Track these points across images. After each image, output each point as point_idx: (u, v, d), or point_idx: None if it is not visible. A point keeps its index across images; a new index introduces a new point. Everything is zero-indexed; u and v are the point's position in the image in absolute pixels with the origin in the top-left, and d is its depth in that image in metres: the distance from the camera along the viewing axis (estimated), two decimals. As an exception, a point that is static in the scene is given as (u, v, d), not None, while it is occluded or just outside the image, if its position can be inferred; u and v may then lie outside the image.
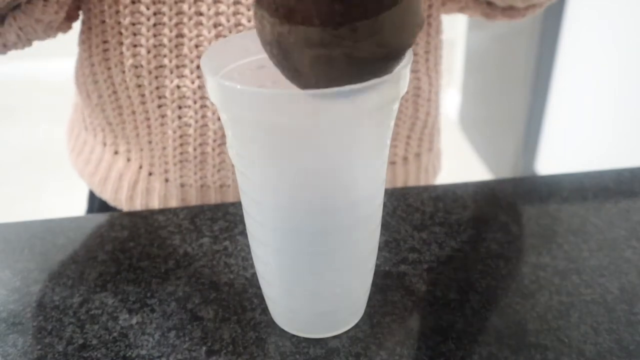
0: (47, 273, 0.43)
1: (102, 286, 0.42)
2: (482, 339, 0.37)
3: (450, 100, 2.51)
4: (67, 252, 0.46)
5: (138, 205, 0.57)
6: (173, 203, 0.56)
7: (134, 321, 0.39)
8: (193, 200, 0.56)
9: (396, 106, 0.31)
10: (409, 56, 0.30)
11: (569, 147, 1.70)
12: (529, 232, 0.47)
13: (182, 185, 0.55)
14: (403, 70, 0.29)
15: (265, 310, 0.39)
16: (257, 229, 0.34)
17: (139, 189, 0.57)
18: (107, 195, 0.59)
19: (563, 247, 0.45)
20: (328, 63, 0.26)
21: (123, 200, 0.58)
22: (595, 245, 0.46)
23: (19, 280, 0.43)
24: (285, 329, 0.38)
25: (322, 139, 0.29)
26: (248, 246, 0.45)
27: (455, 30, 2.37)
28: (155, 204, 0.57)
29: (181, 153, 0.53)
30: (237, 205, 0.51)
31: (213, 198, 0.56)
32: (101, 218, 0.50)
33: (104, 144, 0.59)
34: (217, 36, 0.49)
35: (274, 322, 0.38)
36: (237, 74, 0.34)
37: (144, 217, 0.50)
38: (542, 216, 0.49)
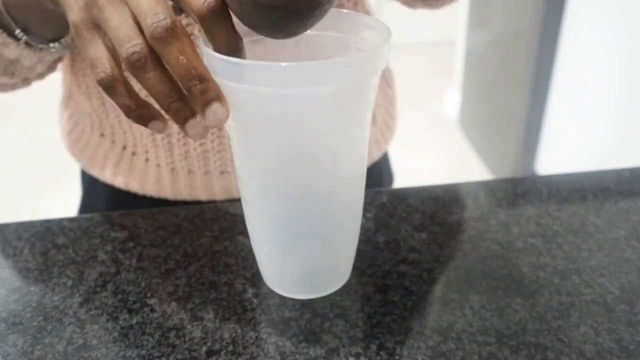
0: (47, 273, 0.43)
1: (102, 286, 0.42)
2: (482, 339, 0.37)
3: (450, 100, 2.51)
4: (67, 252, 0.46)
5: (120, 182, 0.61)
6: (150, 182, 0.60)
7: (134, 321, 0.39)
8: (166, 180, 0.60)
9: (375, 81, 0.34)
10: (383, 31, 0.33)
11: (569, 147, 1.70)
12: (529, 232, 0.47)
13: (157, 166, 0.59)
14: (382, 46, 0.31)
15: (265, 310, 0.39)
16: (246, 192, 0.37)
17: (121, 167, 0.61)
18: (94, 171, 0.64)
19: (563, 247, 0.45)
20: (238, 1, 0.30)
21: (107, 176, 0.62)
22: (595, 245, 0.45)
23: (19, 280, 0.43)
24: (274, 289, 0.40)
25: (300, 108, 0.32)
26: (248, 246, 0.45)
27: (455, 30, 2.37)
28: (135, 181, 0.61)
29: (153, 139, 0.58)
30: (237, 205, 0.51)
31: (182, 180, 0.59)
32: (101, 218, 0.50)
33: (92, 128, 0.62)
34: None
35: (274, 322, 0.38)
36: None
37: (144, 217, 0.50)
38: (542, 216, 0.49)
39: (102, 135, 0.62)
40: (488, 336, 0.37)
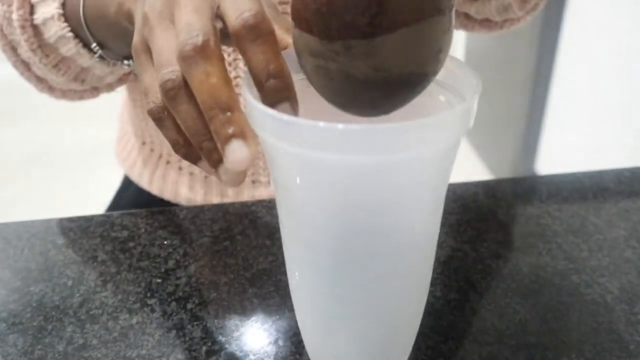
0: (47, 273, 0.43)
1: (102, 286, 0.42)
2: (482, 339, 0.37)
3: (450, 100, 2.50)
4: (67, 252, 0.46)
5: (155, 189, 0.64)
6: (183, 190, 0.62)
7: (134, 321, 0.39)
8: (198, 187, 0.61)
9: (460, 140, 0.27)
10: (473, 90, 0.27)
11: (569, 147, 1.70)
12: (529, 232, 0.47)
13: (190, 174, 0.61)
14: (471, 100, 0.25)
15: (264, 310, 0.39)
16: (289, 257, 0.32)
17: (157, 176, 0.63)
18: (134, 177, 0.66)
19: (563, 247, 0.45)
20: (326, 75, 0.25)
21: (144, 183, 0.65)
22: (595, 245, 0.45)
23: (19, 280, 0.43)
24: None
25: (370, 179, 0.26)
26: (248, 246, 0.45)
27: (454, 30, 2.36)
28: (169, 190, 0.63)
29: None
30: (237, 205, 0.51)
31: (214, 188, 0.60)
32: (101, 218, 0.50)
33: (136, 136, 0.65)
34: None
35: (273, 322, 0.38)
36: None
37: (144, 217, 0.50)
38: (542, 216, 0.49)
39: (143, 143, 0.64)
40: (488, 336, 0.37)
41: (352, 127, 0.23)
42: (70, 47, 0.45)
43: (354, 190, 0.26)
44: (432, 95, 0.30)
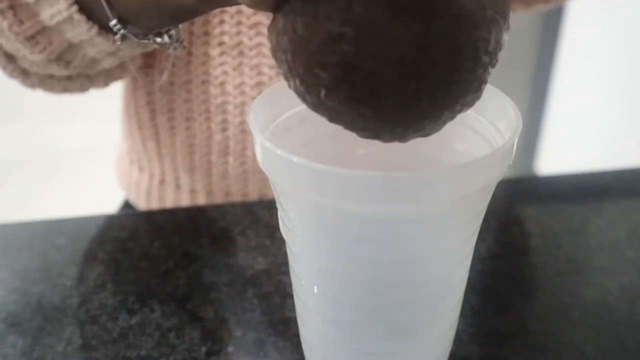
0: (46, 273, 0.43)
1: (102, 286, 0.42)
2: (482, 339, 0.37)
3: (450, 100, 2.50)
4: (67, 252, 0.45)
5: None
6: None
7: (133, 321, 0.38)
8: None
9: (494, 187, 0.25)
10: (511, 127, 0.25)
11: (569, 147, 1.70)
12: (529, 232, 0.47)
13: (191, 191, 0.58)
14: (510, 140, 0.23)
15: (265, 310, 0.39)
16: (301, 308, 0.30)
17: (153, 197, 0.60)
18: (131, 199, 0.64)
19: (563, 247, 0.45)
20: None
21: (141, 206, 0.62)
22: (595, 245, 0.45)
23: (18, 280, 0.43)
24: None
25: (393, 230, 0.23)
26: (248, 246, 0.45)
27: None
28: None
29: (189, 161, 0.56)
30: (237, 205, 0.51)
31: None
32: (101, 218, 0.50)
33: (127, 153, 0.63)
34: (221, 54, 0.51)
35: (273, 323, 0.38)
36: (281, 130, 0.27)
37: (144, 217, 0.50)
38: (542, 216, 0.49)
39: (131, 162, 0.62)
40: (488, 336, 0.37)
41: (371, 175, 0.20)
42: (59, 11, 0.32)
43: (368, 240, 0.24)
44: (465, 125, 0.28)
